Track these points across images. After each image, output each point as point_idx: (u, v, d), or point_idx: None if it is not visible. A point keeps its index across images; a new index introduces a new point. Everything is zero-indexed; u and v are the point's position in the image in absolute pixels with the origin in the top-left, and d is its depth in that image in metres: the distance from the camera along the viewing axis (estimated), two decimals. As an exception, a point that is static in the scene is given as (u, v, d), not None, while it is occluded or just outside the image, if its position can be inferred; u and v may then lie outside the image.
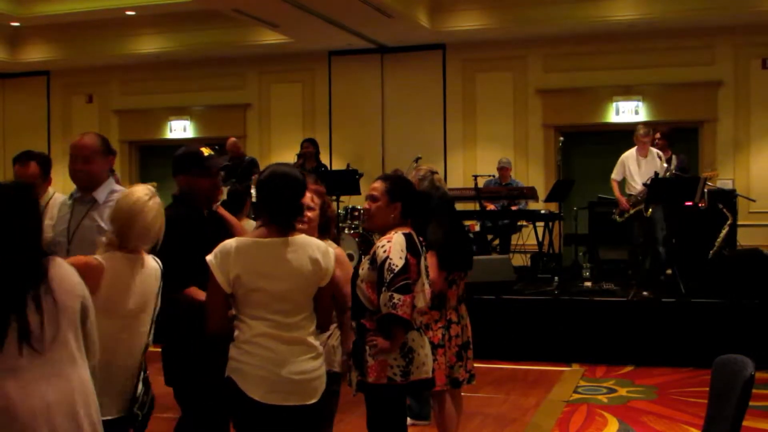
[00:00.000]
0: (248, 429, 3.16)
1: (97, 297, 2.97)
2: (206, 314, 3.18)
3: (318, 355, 3.23)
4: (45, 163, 4.98)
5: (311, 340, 3.21)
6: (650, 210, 8.60)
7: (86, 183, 3.93)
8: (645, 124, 9.58)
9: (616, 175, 9.09)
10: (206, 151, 3.80)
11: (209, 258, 3.13)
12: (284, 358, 3.11)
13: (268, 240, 3.16)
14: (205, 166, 3.78)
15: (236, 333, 3.16)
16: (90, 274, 3.02)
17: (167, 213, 3.58)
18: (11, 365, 2.57)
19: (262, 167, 12.02)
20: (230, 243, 3.15)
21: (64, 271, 2.73)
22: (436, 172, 4.96)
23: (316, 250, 3.21)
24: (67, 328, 2.68)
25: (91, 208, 3.90)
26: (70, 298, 2.70)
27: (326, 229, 3.96)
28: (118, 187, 4.03)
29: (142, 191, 3.29)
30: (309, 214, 3.82)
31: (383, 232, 3.75)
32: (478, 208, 9.82)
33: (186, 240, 3.57)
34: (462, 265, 4.70)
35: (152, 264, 3.33)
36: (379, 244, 3.66)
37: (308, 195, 3.69)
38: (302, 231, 3.51)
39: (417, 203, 3.89)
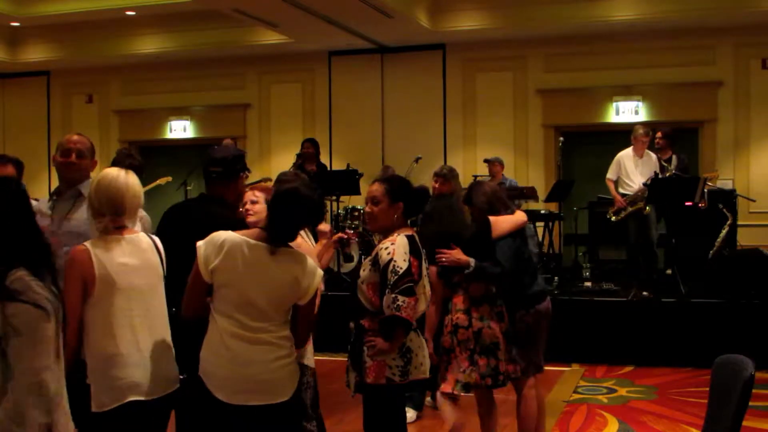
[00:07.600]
0: (217, 429, 3.09)
1: None
2: (183, 298, 3.14)
3: (287, 355, 3.14)
4: (20, 167, 4.92)
5: (278, 340, 3.12)
6: (648, 208, 8.55)
7: (77, 176, 3.81)
8: (645, 124, 9.55)
9: (611, 175, 8.99)
10: None
11: (199, 243, 3.11)
12: (248, 358, 3.05)
13: (256, 242, 3.10)
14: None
15: (207, 332, 3.11)
16: None
17: (217, 212, 3.63)
18: None
19: (261, 167, 12.07)
20: (221, 234, 3.11)
21: None
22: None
23: (299, 269, 3.13)
24: None
25: (78, 200, 3.79)
26: None
27: None
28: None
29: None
30: (255, 207, 3.87)
31: (386, 233, 3.73)
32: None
33: None
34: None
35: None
36: (382, 246, 3.65)
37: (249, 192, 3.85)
38: (252, 224, 3.55)
39: (418, 201, 3.88)
